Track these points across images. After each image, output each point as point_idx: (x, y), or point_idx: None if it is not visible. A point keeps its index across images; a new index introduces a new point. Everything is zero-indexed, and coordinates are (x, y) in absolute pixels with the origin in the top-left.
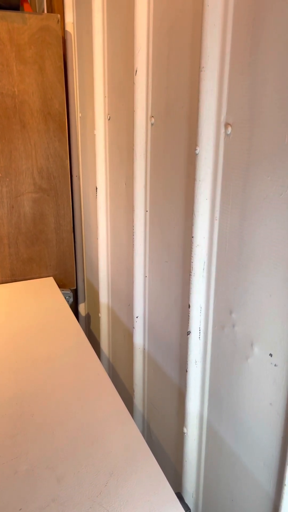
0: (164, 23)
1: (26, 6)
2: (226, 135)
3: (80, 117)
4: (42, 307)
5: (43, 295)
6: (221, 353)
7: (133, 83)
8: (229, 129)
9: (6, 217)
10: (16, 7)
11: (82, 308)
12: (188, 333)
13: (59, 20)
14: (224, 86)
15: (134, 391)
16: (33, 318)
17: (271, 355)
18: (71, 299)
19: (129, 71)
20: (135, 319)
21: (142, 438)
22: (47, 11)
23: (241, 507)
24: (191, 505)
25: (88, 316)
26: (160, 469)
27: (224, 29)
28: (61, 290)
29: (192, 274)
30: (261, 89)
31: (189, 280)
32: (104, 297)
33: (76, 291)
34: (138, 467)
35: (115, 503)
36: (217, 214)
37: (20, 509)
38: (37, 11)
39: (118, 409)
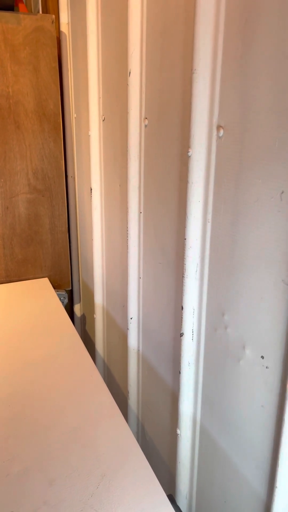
0: (157, 25)
1: (21, 6)
2: (218, 137)
3: (75, 118)
4: (36, 308)
5: (38, 296)
6: (213, 355)
7: (127, 84)
8: (221, 131)
9: (1, 218)
10: (11, 8)
11: (77, 309)
12: (181, 334)
13: (54, 21)
14: (216, 89)
15: (128, 393)
16: (28, 319)
17: (262, 357)
18: (66, 300)
19: (123, 73)
20: (130, 320)
21: (135, 440)
22: (42, 12)
23: (234, 508)
24: (184, 506)
25: (83, 317)
26: (152, 471)
27: (216, 32)
28: (56, 291)
29: (185, 276)
30: (252, 92)
31: (182, 282)
32: (99, 298)
33: (72, 292)
34: (130, 469)
35: (106, 505)
36: (209, 216)
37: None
38: (33, 11)
39: (111, 411)
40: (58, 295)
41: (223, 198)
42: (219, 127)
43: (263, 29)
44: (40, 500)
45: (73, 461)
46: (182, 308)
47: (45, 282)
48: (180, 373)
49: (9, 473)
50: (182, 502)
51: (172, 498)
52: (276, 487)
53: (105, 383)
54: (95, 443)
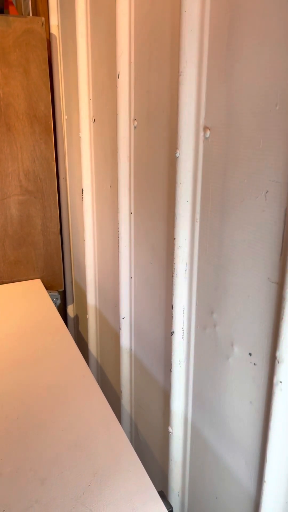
0: (145, 28)
1: (11, 9)
2: (205, 138)
3: (65, 119)
4: (29, 309)
5: (30, 297)
6: (203, 353)
7: (116, 86)
8: (208, 132)
9: None
10: (0, 10)
11: (70, 309)
12: (172, 333)
13: (44, 23)
14: (202, 91)
15: (121, 392)
16: (20, 321)
17: (250, 354)
18: (59, 301)
19: (112, 74)
20: (122, 320)
21: (127, 438)
22: (32, 14)
23: (225, 504)
24: (176, 503)
25: (76, 318)
26: (143, 468)
27: (201, 34)
28: (48, 292)
29: (175, 275)
30: (237, 95)
31: (172, 281)
32: (91, 299)
33: (64, 293)
34: (122, 467)
35: (98, 503)
36: (197, 216)
37: (4, 511)
38: (23, 14)
39: (103, 410)
40: (50, 296)
41: (210, 198)
42: (205, 128)
43: (247, 32)
44: (32, 499)
45: (65, 460)
46: (172, 307)
47: (37, 283)
48: (171, 371)
49: (1, 472)
50: (175, 499)
51: (163, 495)
52: (265, 481)
53: (99, 383)
54: (86, 442)
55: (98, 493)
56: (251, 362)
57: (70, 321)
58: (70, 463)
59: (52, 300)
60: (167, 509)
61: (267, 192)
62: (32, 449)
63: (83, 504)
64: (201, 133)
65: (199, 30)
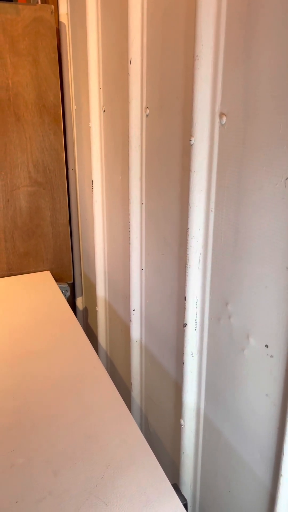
0: (158, 13)
1: None
2: (221, 125)
3: (75, 109)
4: (39, 301)
5: (40, 289)
6: (217, 345)
7: (128, 73)
8: (224, 119)
9: (2, 211)
10: None
11: (79, 301)
12: (185, 325)
13: (53, 11)
14: (219, 75)
15: (131, 384)
16: (30, 312)
17: (267, 346)
18: (68, 293)
19: (124, 62)
20: (132, 312)
21: (139, 430)
22: (41, 2)
23: (238, 497)
24: (188, 496)
25: (85, 310)
26: (157, 461)
27: (218, 16)
28: (58, 284)
29: (188, 266)
30: (255, 78)
31: (185, 272)
32: (101, 291)
33: (73, 285)
34: (135, 459)
35: (111, 495)
36: (212, 205)
37: (17, 502)
38: (32, 2)
39: (115, 402)
40: (60, 288)
41: (226, 186)
42: (221, 114)
43: (266, 13)
44: (45, 490)
45: (77, 451)
46: (185, 298)
47: (47, 275)
48: (183, 363)
49: (14, 463)
50: (187, 492)
51: (177, 487)
52: (281, 475)
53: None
54: (99, 433)
55: (111, 486)
56: (267, 354)
57: (79, 313)
58: (83, 455)
59: (62, 292)
60: (182, 502)
61: (286, 179)
62: (44, 441)
63: (96, 496)
64: (217, 120)
65: (216, 11)
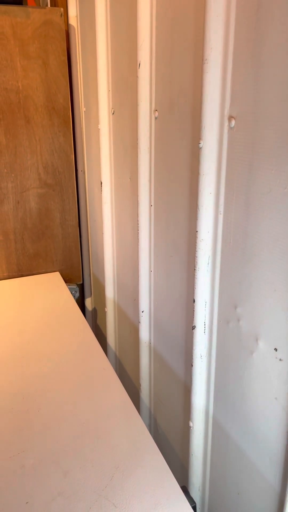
0: (167, 15)
1: (29, 0)
2: (230, 128)
3: (84, 111)
4: (48, 302)
5: (49, 290)
6: (226, 347)
7: (137, 76)
8: (233, 122)
9: (12, 213)
10: (19, 1)
11: (88, 302)
12: (193, 327)
13: (63, 14)
14: (228, 78)
15: (140, 385)
16: (40, 313)
17: (276, 349)
18: (78, 294)
19: (133, 65)
20: (141, 314)
21: (148, 432)
22: (51, 5)
23: (247, 500)
24: (197, 498)
25: (94, 311)
26: (166, 463)
27: (227, 19)
28: (67, 285)
29: (197, 268)
30: (265, 81)
31: (194, 274)
32: (110, 292)
33: (83, 286)
34: (144, 460)
35: (120, 496)
36: (221, 208)
37: (27, 503)
38: (41, 5)
39: (124, 403)
40: (69, 289)
41: (235, 189)
42: (230, 117)
43: (277, 16)
44: (55, 491)
45: (86, 453)
46: (194, 301)
47: (56, 276)
48: (192, 366)
49: (24, 464)
50: (195, 494)
51: (186, 490)
52: None
53: (117, 376)
54: (108, 435)
55: (120, 487)
56: (276, 358)
57: (88, 314)
58: (92, 456)
59: (71, 293)
60: (191, 505)
61: None
62: (54, 442)
63: (106, 498)
64: (226, 123)
65: (225, 14)
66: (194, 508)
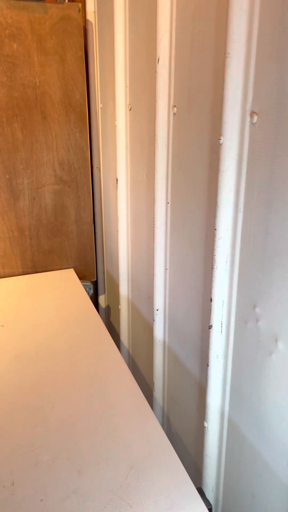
0: (188, 8)
1: None
2: (252, 124)
3: (101, 107)
4: (62, 298)
5: (64, 287)
6: (244, 348)
7: (155, 72)
8: (255, 117)
9: (28, 209)
10: None
11: (102, 300)
12: (210, 327)
13: (80, 9)
14: (250, 73)
15: (154, 384)
16: (54, 310)
17: None
18: (92, 291)
19: (151, 60)
20: (156, 312)
21: (163, 431)
22: (68, 0)
23: (263, 503)
24: (211, 499)
25: (108, 308)
26: (181, 464)
27: (251, 12)
28: (81, 282)
29: (215, 267)
30: None
31: (211, 273)
32: (124, 289)
33: (96, 283)
34: (159, 461)
35: (135, 496)
36: (241, 206)
37: (41, 500)
38: (59, 0)
39: (139, 402)
40: (83, 286)
41: (256, 186)
42: (252, 113)
43: None
44: (69, 489)
45: (101, 451)
46: (211, 300)
47: (70, 273)
48: (208, 365)
49: (38, 461)
50: (209, 495)
51: (201, 492)
52: None
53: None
54: (122, 433)
55: (135, 487)
56: None
57: (101, 311)
58: (107, 454)
59: (85, 290)
60: (207, 507)
61: None
62: (68, 439)
63: (120, 497)
64: (248, 119)
65: (249, 7)
66: (210, 510)
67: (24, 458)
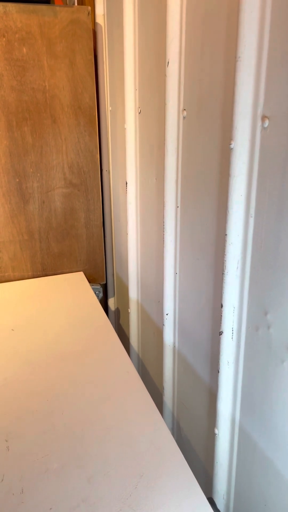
0: (198, 11)
1: None
2: (263, 128)
3: (110, 111)
4: (72, 301)
5: (73, 290)
6: (255, 355)
7: (165, 75)
8: (266, 122)
9: (37, 212)
10: (47, 0)
11: (111, 303)
12: (221, 333)
13: (90, 13)
14: (262, 77)
15: (163, 388)
16: (64, 313)
17: None
18: (101, 294)
19: (161, 63)
20: (165, 316)
21: (173, 439)
22: (78, 4)
23: (275, 511)
24: (221, 507)
25: (117, 311)
26: (192, 473)
27: (262, 15)
28: (91, 285)
29: (225, 273)
30: None
31: (222, 279)
32: (133, 293)
33: (106, 286)
34: (169, 469)
35: (145, 506)
36: (252, 211)
37: (51, 509)
38: (68, 3)
39: (148, 409)
40: (93, 289)
41: (267, 192)
42: (264, 117)
43: None
44: (79, 497)
45: (110, 458)
46: (221, 305)
47: (80, 276)
48: (218, 372)
49: (48, 468)
50: (219, 503)
51: (212, 501)
52: None
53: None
54: (132, 441)
55: (145, 496)
56: None
57: (111, 314)
58: (116, 462)
59: (95, 293)
60: None
61: None
62: (78, 446)
63: (130, 507)
64: (259, 123)
65: (260, 9)
66: None
67: (33, 466)
